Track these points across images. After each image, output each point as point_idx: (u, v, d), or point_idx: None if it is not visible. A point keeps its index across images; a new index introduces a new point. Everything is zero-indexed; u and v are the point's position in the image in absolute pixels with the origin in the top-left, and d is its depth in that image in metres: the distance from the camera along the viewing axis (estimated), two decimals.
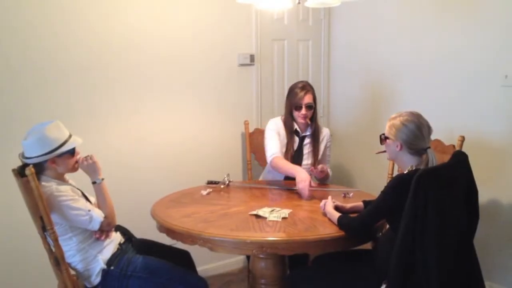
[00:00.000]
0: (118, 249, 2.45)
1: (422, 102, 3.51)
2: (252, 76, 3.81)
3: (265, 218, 2.43)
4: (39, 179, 2.20)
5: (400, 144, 2.20)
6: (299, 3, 2.65)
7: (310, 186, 2.81)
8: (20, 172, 2.19)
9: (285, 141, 3.21)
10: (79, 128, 2.76)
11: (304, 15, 4.06)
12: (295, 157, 3.22)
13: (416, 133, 2.18)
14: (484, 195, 2.81)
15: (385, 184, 2.30)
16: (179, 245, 2.53)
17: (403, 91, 3.70)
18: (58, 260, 2.23)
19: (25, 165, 2.19)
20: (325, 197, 2.60)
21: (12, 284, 2.87)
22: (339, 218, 2.30)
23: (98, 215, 2.31)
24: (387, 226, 2.34)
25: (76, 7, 2.97)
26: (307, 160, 3.23)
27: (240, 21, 3.68)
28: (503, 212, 3.14)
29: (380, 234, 2.43)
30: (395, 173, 2.63)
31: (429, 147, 2.21)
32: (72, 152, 2.33)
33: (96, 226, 2.31)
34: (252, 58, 3.76)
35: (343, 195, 2.85)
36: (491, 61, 3.12)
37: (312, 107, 3.15)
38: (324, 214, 2.46)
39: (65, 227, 2.29)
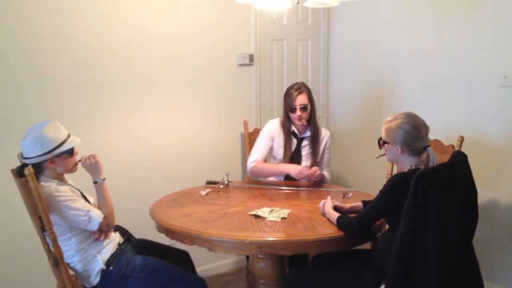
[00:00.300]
0: (117, 249, 2.45)
1: (421, 102, 3.51)
2: (252, 76, 3.81)
3: (264, 218, 2.43)
4: (38, 179, 2.20)
5: (400, 148, 2.19)
6: (298, 3, 2.65)
7: (305, 173, 2.91)
8: (19, 172, 2.19)
9: (281, 143, 3.21)
10: (78, 128, 2.76)
11: (303, 15, 4.06)
12: (293, 159, 3.21)
13: (414, 134, 2.17)
14: (483, 195, 2.81)
15: (384, 183, 2.30)
16: (178, 245, 2.53)
17: (403, 91, 3.70)
18: (57, 260, 2.23)
19: (24, 165, 2.19)
20: (324, 197, 2.60)
21: (11, 284, 2.87)
22: (338, 218, 2.29)
23: (97, 215, 2.31)
24: (387, 226, 2.34)
25: (75, 7, 2.97)
26: (305, 162, 3.21)
27: (239, 21, 3.68)
28: (503, 212, 3.14)
29: (379, 234, 2.43)
30: (394, 172, 2.63)
31: (429, 146, 2.21)
32: (70, 152, 2.32)
33: (95, 226, 2.31)
34: (251, 58, 3.76)
35: (342, 195, 2.85)
36: (491, 61, 3.12)
37: (306, 108, 3.12)
38: (323, 214, 2.45)
39: (64, 227, 2.28)
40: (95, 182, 2.40)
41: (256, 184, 3.19)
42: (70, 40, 2.97)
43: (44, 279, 2.61)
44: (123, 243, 2.52)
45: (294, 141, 3.24)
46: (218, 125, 3.68)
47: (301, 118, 3.12)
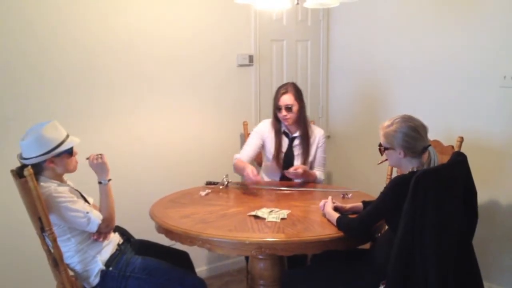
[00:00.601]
0: (116, 249, 2.45)
1: (421, 103, 3.51)
2: (251, 77, 3.81)
3: (264, 218, 2.42)
4: (37, 180, 2.20)
5: (402, 152, 2.19)
6: (297, 3, 2.64)
7: (253, 174, 2.90)
8: (18, 173, 2.19)
9: (272, 142, 3.21)
10: (78, 128, 2.76)
11: (303, 16, 4.07)
12: (286, 158, 3.22)
13: (414, 136, 2.17)
14: (483, 196, 2.81)
15: (384, 184, 2.30)
16: (178, 245, 2.52)
17: (402, 91, 3.70)
18: (56, 261, 2.22)
19: (23, 166, 2.19)
20: (324, 197, 2.60)
21: (11, 284, 2.87)
22: (338, 219, 2.29)
23: (96, 217, 2.31)
24: (386, 226, 2.34)
25: (75, 7, 2.97)
26: (297, 161, 3.21)
27: (239, 21, 3.69)
28: (502, 213, 3.14)
29: (379, 234, 2.43)
30: (394, 173, 2.63)
31: (429, 145, 2.21)
32: (70, 151, 2.32)
33: (94, 228, 2.31)
34: (251, 58, 3.76)
35: (342, 195, 2.85)
36: (490, 61, 3.12)
37: (291, 108, 3.11)
38: (324, 215, 2.45)
39: (64, 228, 2.28)
40: (100, 183, 2.40)
41: (256, 185, 3.18)
42: (70, 40, 2.97)
43: (44, 279, 2.61)
44: (122, 243, 2.52)
45: (286, 140, 3.24)
46: (217, 125, 3.68)
47: (287, 118, 3.12)
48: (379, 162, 2.41)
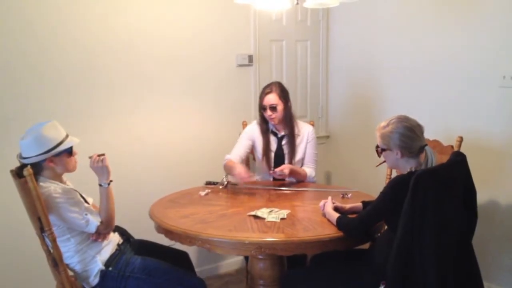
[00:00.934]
0: (116, 249, 2.45)
1: (421, 103, 3.52)
2: (251, 77, 3.82)
3: (264, 218, 2.42)
4: (36, 180, 2.19)
5: (400, 152, 2.19)
6: (297, 3, 2.65)
7: (244, 172, 2.90)
8: (18, 173, 2.18)
9: (260, 143, 3.23)
10: (78, 128, 2.76)
11: (302, 16, 4.07)
12: (276, 157, 3.23)
13: (410, 136, 2.17)
14: (482, 196, 2.81)
15: (384, 184, 2.31)
16: (178, 245, 2.52)
17: (402, 91, 3.70)
18: (56, 261, 2.23)
19: (23, 166, 2.19)
20: (324, 197, 2.60)
21: (11, 284, 2.87)
22: (338, 219, 2.29)
23: (94, 219, 2.31)
24: (385, 226, 2.34)
25: (75, 7, 2.97)
26: (287, 160, 3.22)
27: (238, 21, 3.69)
28: (502, 213, 3.14)
29: (379, 234, 2.43)
30: (394, 173, 2.63)
31: (426, 144, 2.22)
32: (69, 151, 2.33)
33: (92, 229, 2.31)
34: (250, 58, 3.76)
35: (341, 195, 2.85)
36: (490, 61, 3.12)
37: (275, 108, 3.11)
38: (323, 215, 2.45)
39: (63, 228, 2.28)
40: (100, 185, 2.39)
41: (256, 185, 3.19)
42: (70, 40, 2.97)
43: (44, 279, 2.61)
44: (122, 243, 2.52)
45: (275, 139, 3.25)
46: (217, 125, 3.69)
47: (272, 117, 3.13)
48: (378, 164, 2.42)
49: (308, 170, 3.22)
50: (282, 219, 2.42)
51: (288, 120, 3.19)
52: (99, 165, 2.36)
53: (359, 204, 2.53)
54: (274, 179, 3.19)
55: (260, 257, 2.50)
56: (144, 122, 3.33)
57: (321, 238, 2.24)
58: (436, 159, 2.21)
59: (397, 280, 2.03)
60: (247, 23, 3.73)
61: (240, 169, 2.93)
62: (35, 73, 2.88)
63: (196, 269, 2.83)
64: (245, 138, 3.25)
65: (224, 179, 3.07)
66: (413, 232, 1.99)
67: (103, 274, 2.35)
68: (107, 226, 2.37)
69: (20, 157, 2.27)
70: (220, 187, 3.05)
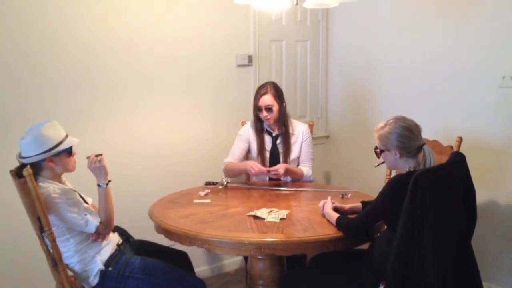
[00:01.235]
0: (116, 250, 2.45)
1: (421, 103, 3.52)
2: (250, 77, 3.82)
3: (263, 219, 2.42)
4: (36, 180, 2.19)
5: (398, 152, 2.19)
6: (297, 4, 2.65)
7: (256, 169, 3.00)
8: (17, 173, 2.19)
9: (255, 143, 3.24)
10: (78, 128, 2.77)
11: (302, 16, 4.07)
12: (272, 157, 3.23)
13: (408, 135, 2.17)
14: (482, 196, 2.82)
15: (383, 184, 2.31)
16: (177, 246, 2.52)
17: (402, 92, 3.71)
18: (56, 261, 2.23)
19: (22, 166, 2.19)
20: (323, 197, 2.60)
21: (11, 284, 2.87)
22: (338, 219, 2.29)
23: (93, 219, 2.31)
24: (385, 226, 2.34)
25: (75, 7, 2.97)
26: (282, 159, 3.23)
27: (238, 22, 3.69)
28: (501, 213, 3.15)
29: (378, 234, 2.43)
30: (393, 173, 2.64)
31: (424, 144, 2.22)
32: (69, 151, 2.33)
33: (92, 229, 2.31)
34: (250, 58, 3.76)
35: (341, 195, 2.85)
36: (490, 62, 3.13)
37: (271, 109, 3.12)
38: (323, 215, 2.46)
39: (63, 228, 2.28)
40: (99, 185, 2.39)
41: (255, 185, 3.19)
42: (70, 40, 2.97)
43: (43, 279, 2.61)
44: (122, 243, 2.52)
45: (270, 139, 3.26)
46: (217, 125, 3.69)
47: (268, 118, 3.14)
48: (376, 165, 2.42)
49: (305, 169, 3.21)
50: (281, 219, 2.42)
51: (283, 120, 3.21)
52: (97, 165, 2.36)
53: (358, 204, 2.53)
54: (270, 178, 3.19)
55: (259, 257, 2.50)
56: (144, 122, 3.33)
57: (320, 238, 2.24)
58: (434, 158, 2.21)
59: (397, 280, 2.03)
60: (247, 23, 3.73)
61: (251, 163, 3.01)
62: (35, 73, 2.88)
63: (196, 269, 2.83)
64: (240, 141, 3.27)
65: (224, 179, 3.07)
66: (413, 232, 1.99)
67: (103, 274, 2.35)
68: (106, 226, 2.37)
69: (20, 156, 2.27)
70: (220, 187, 3.05)
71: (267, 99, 3.11)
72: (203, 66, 3.55)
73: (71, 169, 2.38)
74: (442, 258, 2.00)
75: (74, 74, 3.01)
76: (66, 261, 2.30)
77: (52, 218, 2.22)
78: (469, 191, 2.20)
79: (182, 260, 2.71)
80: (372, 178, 3.38)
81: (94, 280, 2.35)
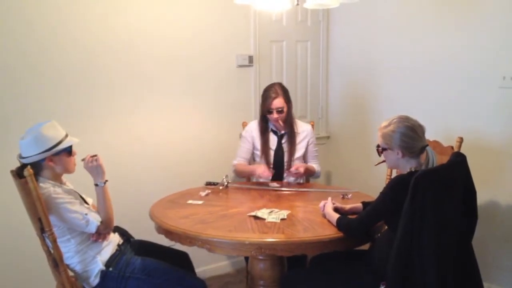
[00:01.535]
0: (116, 250, 2.45)
1: (421, 103, 3.51)
2: (251, 77, 3.81)
3: (264, 219, 2.42)
4: (36, 180, 2.19)
5: (401, 152, 2.19)
6: (297, 4, 2.65)
7: (268, 171, 3.08)
8: (18, 173, 2.18)
9: (260, 143, 3.25)
10: (78, 128, 2.76)
11: (302, 16, 4.06)
12: (276, 155, 3.26)
13: (411, 135, 2.17)
14: (482, 196, 2.81)
15: (384, 185, 2.31)
16: (178, 246, 2.52)
17: (402, 92, 3.70)
18: (56, 261, 2.22)
19: (23, 166, 2.19)
20: (324, 198, 2.60)
21: (10, 284, 2.87)
22: (338, 219, 2.29)
23: (94, 219, 2.30)
24: (385, 226, 2.34)
25: (75, 7, 2.97)
26: (287, 157, 3.26)
27: (238, 22, 3.69)
28: (502, 213, 3.14)
29: (379, 234, 2.43)
30: (394, 174, 2.63)
31: (427, 145, 2.22)
32: (69, 150, 2.33)
33: (92, 229, 2.31)
34: (250, 59, 3.76)
35: (341, 196, 2.86)
36: (490, 62, 3.13)
37: (282, 111, 3.16)
38: (324, 215, 2.45)
39: (63, 228, 2.28)
40: (96, 185, 2.39)
41: (256, 185, 3.19)
42: (70, 40, 2.97)
43: (44, 280, 2.61)
44: (122, 244, 2.52)
45: (275, 138, 3.27)
46: (217, 126, 3.68)
47: (278, 119, 3.17)
48: (377, 163, 2.42)
49: (315, 165, 3.30)
50: (282, 219, 2.42)
51: (290, 119, 3.25)
52: (94, 165, 2.36)
53: (359, 205, 2.53)
54: (274, 178, 3.20)
55: (260, 257, 2.50)
56: (144, 122, 3.33)
57: (321, 238, 2.24)
58: (437, 160, 2.21)
59: (397, 280, 2.03)
60: (247, 23, 3.73)
61: (262, 168, 3.08)
62: (35, 73, 2.88)
63: (196, 270, 2.83)
64: (246, 142, 3.30)
65: (224, 180, 3.07)
66: (413, 232, 1.99)
67: (104, 274, 2.35)
68: (107, 226, 2.37)
69: (20, 157, 2.27)
70: (220, 187, 3.05)
71: (279, 102, 3.14)
72: (203, 66, 3.55)
73: (71, 169, 2.38)
74: (442, 258, 2.00)
75: (74, 74, 3.01)
76: (67, 262, 2.30)
77: (52, 219, 2.22)
78: (470, 191, 2.20)
79: (183, 260, 2.70)
80: (372, 178, 3.38)
81: (94, 280, 2.35)
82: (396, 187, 2.12)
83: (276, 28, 3.92)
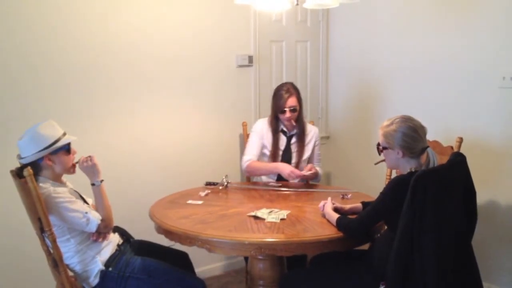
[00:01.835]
0: (116, 250, 2.45)
1: (420, 103, 3.51)
2: (251, 77, 3.81)
3: (264, 219, 2.43)
4: (36, 180, 2.19)
5: (401, 151, 2.19)
6: (297, 4, 2.65)
7: (297, 173, 3.01)
8: (18, 174, 2.19)
9: (270, 141, 3.24)
10: (78, 128, 2.77)
11: (302, 17, 4.07)
12: (284, 155, 3.25)
13: (413, 136, 2.17)
14: (482, 196, 2.81)
15: (384, 185, 2.31)
16: (178, 246, 2.52)
17: (402, 92, 3.71)
18: (56, 261, 2.22)
19: (23, 167, 2.19)
20: (324, 198, 2.60)
21: (10, 284, 2.86)
22: (338, 219, 2.30)
23: (95, 217, 2.31)
24: (385, 226, 2.34)
25: (75, 7, 2.97)
26: (295, 159, 3.26)
27: (238, 22, 3.69)
28: (501, 213, 3.14)
29: (378, 234, 2.43)
30: (394, 174, 2.63)
31: (428, 146, 2.22)
32: (67, 148, 2.33)
33: (93, 228, 2.31)
34: (250, 59, 3.76)
35: (341, 196, 2.86)
36: (490, 62, 3.13)
37: (296, 110, 3.16)
38: (323, 215, 2.46)
39: (63, 228, 2.28)
40: (93, 185, 2.40)
41: (255, 185, 3.19)
42: (70, 40, 2.97)
43: (44, 280, 2.61)
44: (122, 244, 2.52)
45: (284, 139, 3.27)
46: (217, 126, 3.68)
47: (291, 119, 3.17)
48: (376, 162, 2.42)
49: (318, 169, 3.28)
50: (282, 219, 2.42)
51: (301, 120, 3.25)
52: (88, 165, 2.37)
53: (359, 205, 2.53)
54: (279, 178, 3.20)
55: (260, 257, 2.50)
56: (144, 122, 3.33)
57: (321, 238, 2.24)
58: (438, 161, 2.21)
59: (397, 280, 2.03)
60: (247, 23, 3.73)
61: (287, 168, 3.02)
62: (35, 73, 2.88)
63: (196, 270, 2.82)
64: (257, 137, 3.26)
65: (224, 180, 3.07)
66: (413, 232, 1.99)
67: (103, 274, 2.35)
68: (107, 225, 2.37)
69: (19, 157, 2.27)
70: (220, 187, 3.05)
71: (293, 101, 3.15)
72: (203, 67, 3.55)
73: (71, 169, 2.37)
74: (443, 258, 2.00)
75: (74, 74, 3.01)
76: (66, 262, 2.30)
77: (52, 218, 2.22)
78: (470, 191, 2.20)
79: (183, 260, 2.70)
80: (372, 178, 3.38)
81: (94, 280, 2.35)
82: (396, 187, 2.12)
83: (276, 28, 3.93)
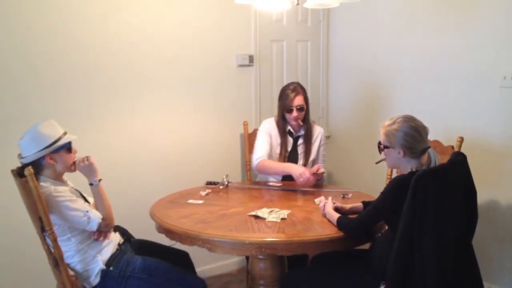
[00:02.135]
0: (117, 249, 2.45)
1: (421, 103, 3.51)
2: (251, 77, 3.81)
3: (264, 219, 2.43)
4: (37, 179, 2.19)
5: (402, 151, 2.19)
6: (298, 4, 2.65)
7: (309, 177, 2.90)
8: (19, 173, 2.19)
9: (278, 141, 3.23)
10: (78, 128, 2.76)
11: (303, 16, 4.07)
12: (290, 157, 3.24)
13: (415, 136, 2.17)
14: (482, 196, 2.82)
15: (384, 185, 2.31)
16: (178, 245, 2.52)
17: (402, 92, 3.71)
18: (57, 260, 2.23)
19: (24, 166, 2.19)
20: (324, 197, 2.60)
21: (11, 284, 2.87)
22: (339, 219, 2.29)
23: (96, 216, 2.31)
24: (386, 226, 2.34)
25: (75, 7, 2.97)
26: (301, 160, 3.25)
27: (239, 22, 3.69)
28: (502, 213, 3.14)
29: (379, 234, 2.43)
30: (394, 174, 2.63)
31: (429, 147, 2.22)
32: (68, 147, 2.33)
33: (94, 227, 2.31)
34: (251, 59, 3.76)
35: (342, 196, 2.86)
36: (490, 62, 3.12)
37: (303, 109, 3.16)
38: (324, 215, 2.45)
39: (64, 227, 2.28)
40: (91, 184, 2.40)
41: (256, 185, 3.19)
42: (70, 40, 2.97)
43: (44, 279, 2.61)
44: (123, 243, 2.52)
45: (290, 140, 3.27)
46: (217, 125, 3.68)
47: (297, 118, 3.16)
48: (377, 161, 2.42)
49: (323, 169, 3.23)
50: (282, 219, 2.42)
51: (308, 120, 3.25)
52: (85, 164, 2.37)
53: (359, 204, 2.53)
54: (284, 178, 3.19)
55: (260, 257, 2.50)
56: (144, 122, 3.33)
57: (321, 238, 2.24)
58: (439, 161, 2.21)
59: (397, 280, 2.03)
60: (247, 23, 3.73)
61: (299, 170, 2.94)
62: (35, 73, 2.88)
63: (197, 269, 2.82)
64: (266, 136, 3.24)
65: (225, 179, 3.07)
66: (413, 232, 1.99)
67: (104, 273, 2.35)
68: (108, 224, 2.38)
69: (20, 157, 2.28)
70: (221, 187, 3.05)
71: (299, 100, 3.14)
72: (203, 66, 3.55)
73: (72, 167, 2.38)
74: (443, 258, 2.00)
75: (74, 74, 3.01)
76: (67, 261, 2.30)
77: (53, 218, 2.22)
78: (470, 191, 2.20)
79: (183, 260, 2.71)
80: (373, 178, 3.38)
81: (95, 279, 2.35)
82: (397, 187, 2.12)
83: (277, 28, 3.93)
